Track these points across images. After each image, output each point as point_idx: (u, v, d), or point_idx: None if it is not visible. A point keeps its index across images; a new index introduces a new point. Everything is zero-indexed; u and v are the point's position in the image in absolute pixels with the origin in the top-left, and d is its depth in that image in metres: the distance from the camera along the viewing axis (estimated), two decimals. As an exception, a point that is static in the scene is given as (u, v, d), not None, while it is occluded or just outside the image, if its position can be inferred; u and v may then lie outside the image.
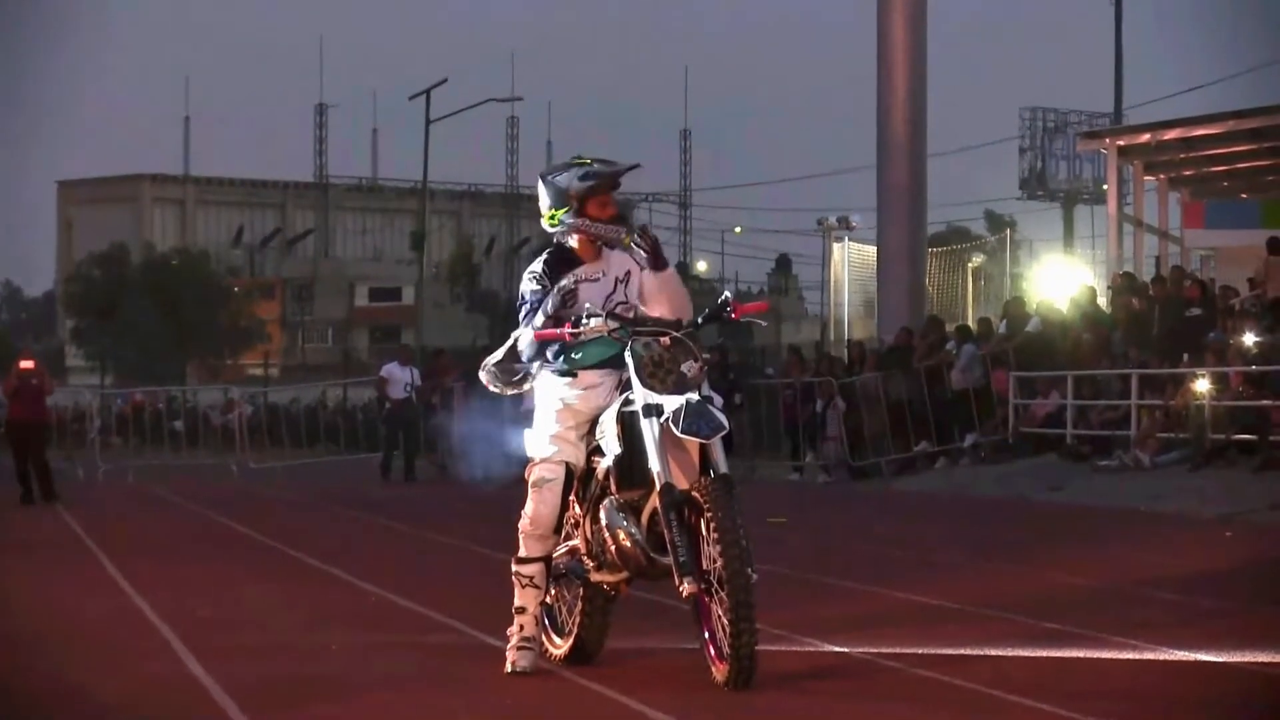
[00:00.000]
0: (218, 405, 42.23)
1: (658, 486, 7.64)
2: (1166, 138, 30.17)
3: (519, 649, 8.14)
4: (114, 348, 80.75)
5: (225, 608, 11.01)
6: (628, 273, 8.18)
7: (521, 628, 8.15)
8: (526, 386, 8.35)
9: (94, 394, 43.68)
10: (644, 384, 7.75)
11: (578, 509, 8.12)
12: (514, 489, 8.68)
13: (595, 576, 8.08)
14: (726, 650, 7.44)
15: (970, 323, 35.01)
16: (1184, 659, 8.57)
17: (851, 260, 43.46)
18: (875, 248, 35.98)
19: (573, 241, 8.16)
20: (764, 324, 11.45)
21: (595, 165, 8.09)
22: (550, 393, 8.10)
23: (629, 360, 7.83)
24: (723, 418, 7.71)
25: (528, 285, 8.09)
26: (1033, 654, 8.65)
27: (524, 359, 8.16)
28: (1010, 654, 8.63)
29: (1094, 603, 10.81)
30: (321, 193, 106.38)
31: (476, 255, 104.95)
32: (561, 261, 8.14)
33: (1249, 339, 22.33)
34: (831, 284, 46.57)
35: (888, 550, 15.22)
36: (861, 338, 34.65)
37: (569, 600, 8.34)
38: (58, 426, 33.24)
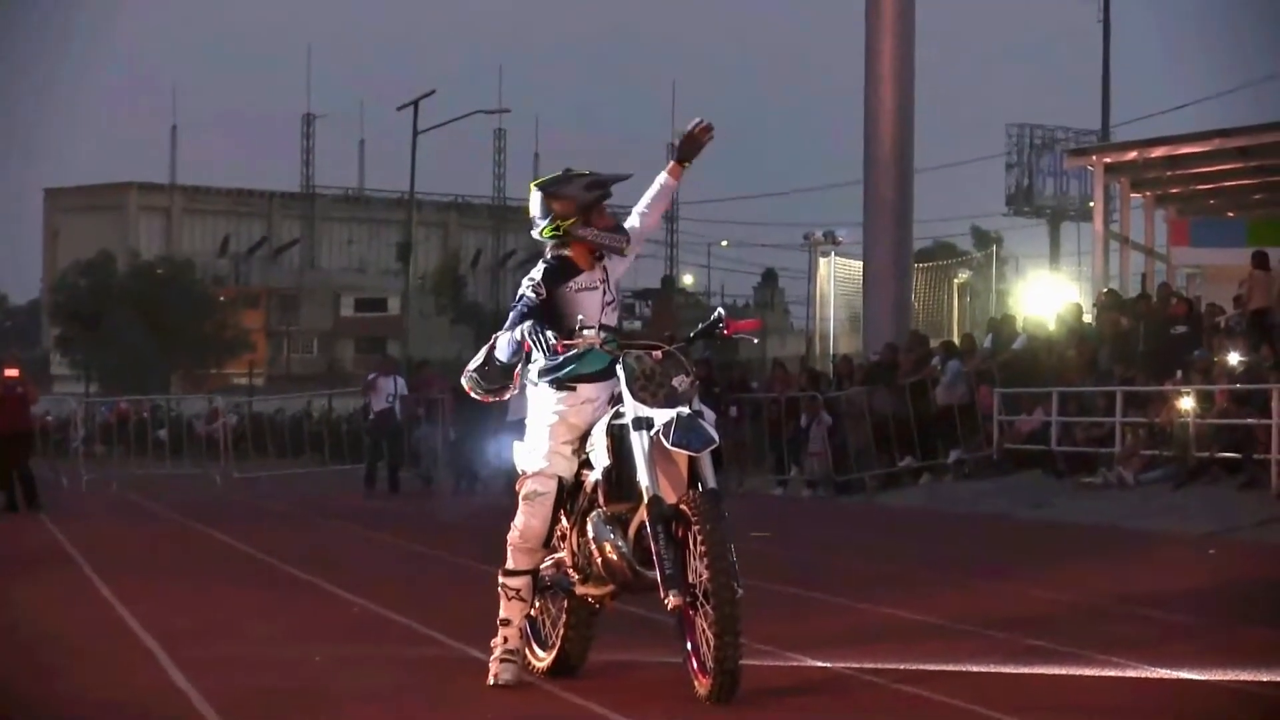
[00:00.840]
0: (202, 415, 42.16)
1: (645, 499, 7.66)
2: (1153, 155, 30.27)
3: (502, 661, 8.14)
4: (99, 356, 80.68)
5: (207, 618, 10.99)
6: (606, 271, 8.22)
7: (506, 640, 8.15)
8: (508, 395, 8.36)
9: (79, 402, 43.64)
10: (635, 397, 7.76)
11: (565, 521, 8.13)
12: (502, 499, 8.68)
13: (581, 589, 8.09)
14: (710, 664, 7.45)
15: (955, 339, 35.01)
16: (1165, 676, 8.58)
17: (837, 275, 43.42)
18: (861, 263, 36.02)
19: (569, 251, 8.18)
20: (755, 340, 11.50)
21: (598, 174, 8.13)
22: (544, 406, 8.10)
23: (620, 373, 7.85)
24: (713, 432, 7.73)
25: (525, 289, 8.09)
26: (1015, 670, 8.66)
27: (503, 359, 8.16)
28: (992, 670, 8.64)
29: (1076, 620, 10.82)
30: (308, 203, 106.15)
31: (463, 267, 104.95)
32: (560, 271, 8.15)
33: (1234, 357, 22.36)
34: (817, 299, 46.52)
35: (871, 566, 15.23)
36: (848, 352, 34.63)
37: (553, 613, 8.35)
38: (42, 434, 33.18)
